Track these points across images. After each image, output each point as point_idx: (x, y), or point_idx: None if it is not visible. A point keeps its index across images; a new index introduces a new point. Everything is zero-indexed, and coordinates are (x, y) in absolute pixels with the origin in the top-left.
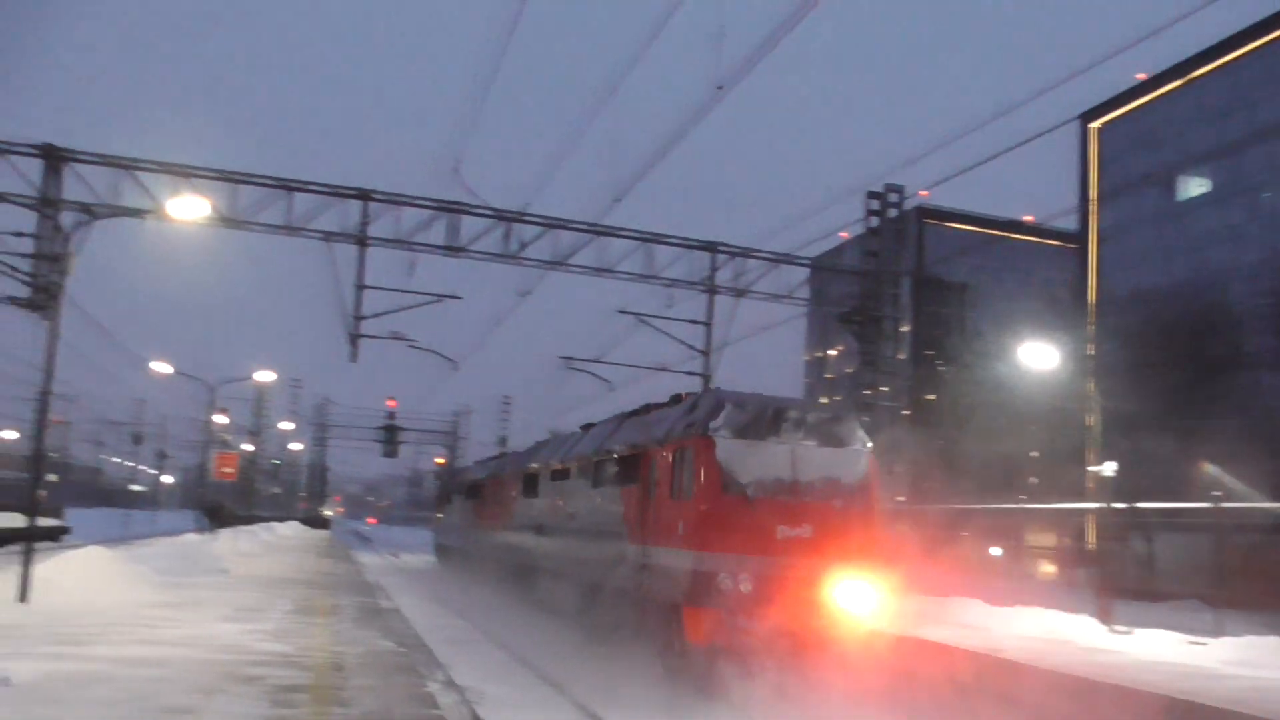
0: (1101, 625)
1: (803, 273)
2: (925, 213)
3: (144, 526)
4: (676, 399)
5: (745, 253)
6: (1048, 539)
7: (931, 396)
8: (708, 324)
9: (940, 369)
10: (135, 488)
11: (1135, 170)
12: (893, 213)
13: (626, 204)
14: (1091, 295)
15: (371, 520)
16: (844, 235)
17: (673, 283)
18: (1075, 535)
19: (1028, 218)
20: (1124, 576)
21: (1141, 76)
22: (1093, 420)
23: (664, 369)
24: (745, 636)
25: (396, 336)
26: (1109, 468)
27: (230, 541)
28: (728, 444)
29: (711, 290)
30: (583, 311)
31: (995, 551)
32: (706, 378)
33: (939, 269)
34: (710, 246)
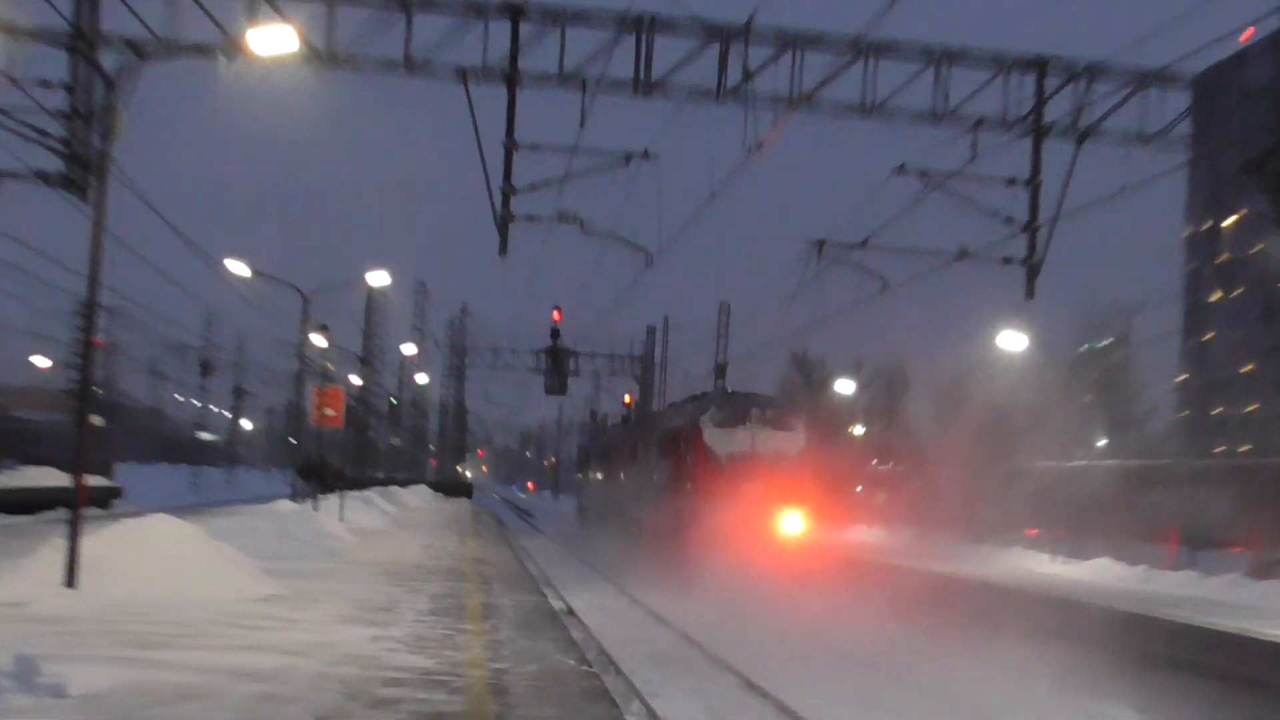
0: None
1: (1181, 100)
2: None
3: (220, 490)
4: (704, 394)
5: (1091, 71)
6: None
7: None
8: (1033, 183)
9: None
10: (205, 436)
11: None
12: None
13: (907, 5)
14: None
15: (530, 485)
16: (1245, 38)
17: (979, 123)
18: None
19: None
20: None
21: None
22: None
23: (966, 255)
24: (723, 545)
25: (565, 218)
26: None
27: (339, 513)
28: (711, 430)
29: (1039, 132)
30: (842, 174)
31: None
32: (1032, 267)
33: None
34: (1037, 63)
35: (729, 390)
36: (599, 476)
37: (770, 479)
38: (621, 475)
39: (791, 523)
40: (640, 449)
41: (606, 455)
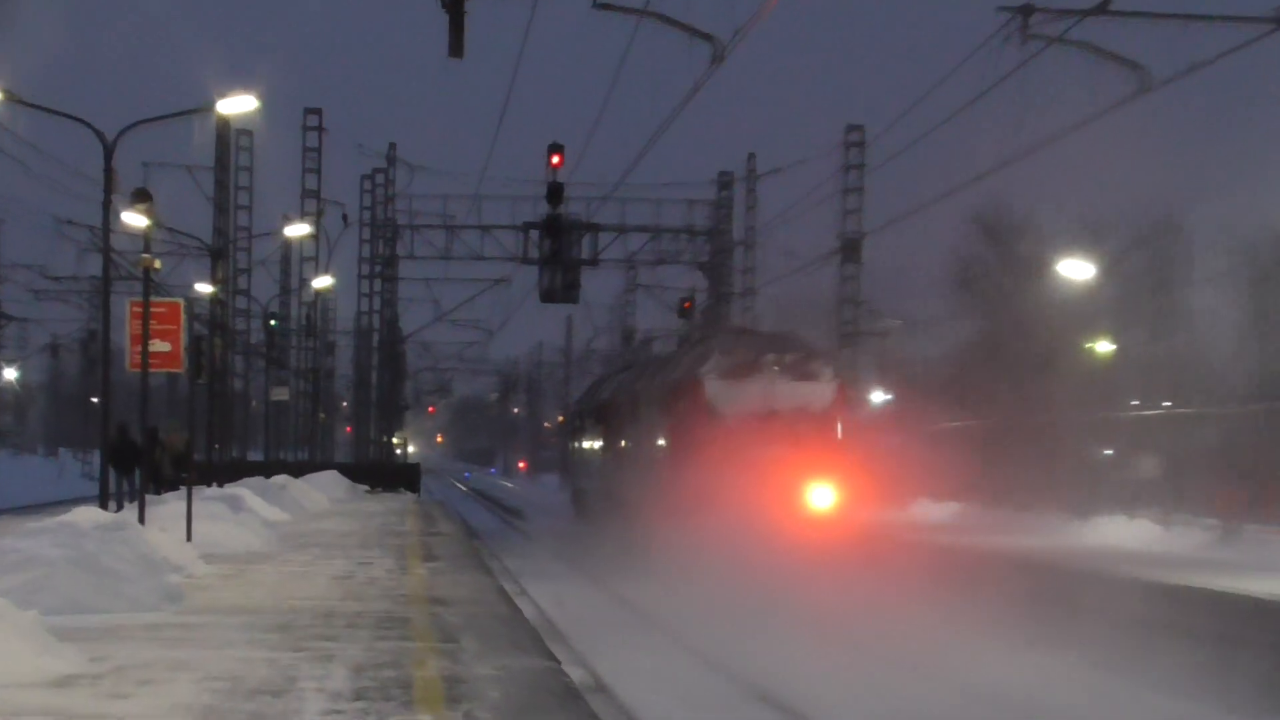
0: None
1: None
2: None
3: None
4: (708, 336)
5: None
6: None
7: None
8: None
9: None
10: None
11: None
12: None
13: None
14: None
15: (522, 464)
16: None
17: None
18: None
19: None
20: None
21: None
22: None
23: None
24: (731, 522)
25: None
26: None
27: (185, 526)
28: (714, 384)
29: None
30: None
31: None
32: None
33: None
34: None
35: (737, 331)
36: (597, 447)
37: (792, 443)
38: (622, 444)
39: (820, 498)
40: (642, 408)
41: (605, 416)
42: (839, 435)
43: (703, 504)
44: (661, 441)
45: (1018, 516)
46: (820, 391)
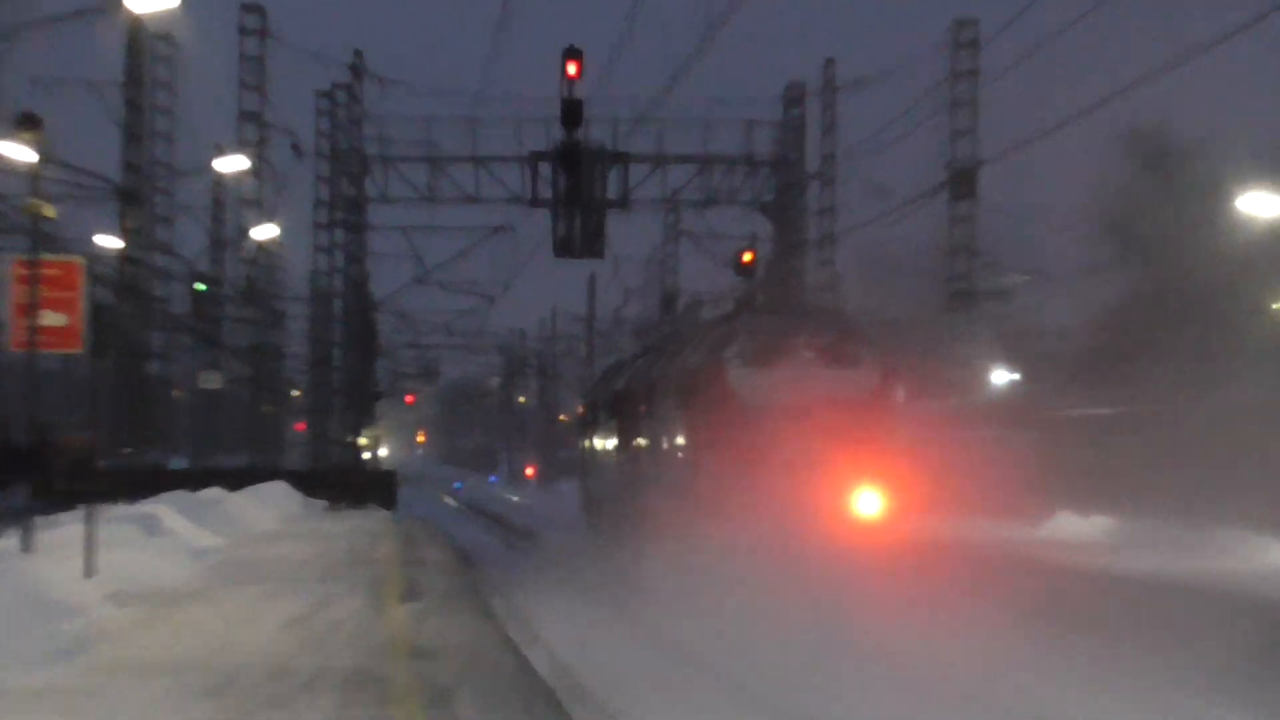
0: None
1: None
2: None
3: None
4: (733, 315)
5: None
6: None
7: None
8: None
9: None
10: None
11: None
12: None
13: None
14: None
15: (530, 470)
16: None
17: None
18: None
19: None
20: None
21: None
22: None
23: None
24: (763, 533)
25: None
26: None
27: (85, 557)
28: (738, 370)
29: None
30: None
31: None
32: None
33: None
34: None
35: (765, 311)
36: (609, 446)
37: (830, 439)
38: (636, 442)
39: (866, 504)
40: (657, 399)
41: (618, 409)
42: (887, 429)
43: (725, 511)
44: (679, 439)
45: (1188, 535)
46: (863, 378)
